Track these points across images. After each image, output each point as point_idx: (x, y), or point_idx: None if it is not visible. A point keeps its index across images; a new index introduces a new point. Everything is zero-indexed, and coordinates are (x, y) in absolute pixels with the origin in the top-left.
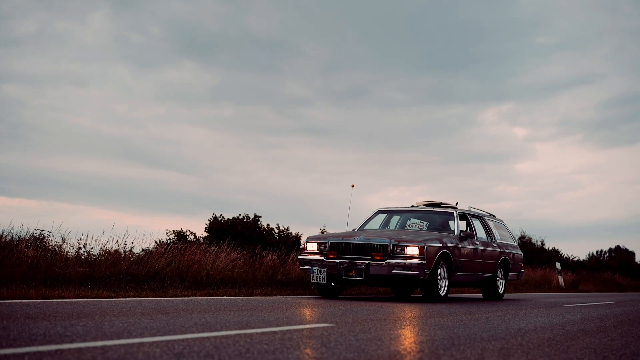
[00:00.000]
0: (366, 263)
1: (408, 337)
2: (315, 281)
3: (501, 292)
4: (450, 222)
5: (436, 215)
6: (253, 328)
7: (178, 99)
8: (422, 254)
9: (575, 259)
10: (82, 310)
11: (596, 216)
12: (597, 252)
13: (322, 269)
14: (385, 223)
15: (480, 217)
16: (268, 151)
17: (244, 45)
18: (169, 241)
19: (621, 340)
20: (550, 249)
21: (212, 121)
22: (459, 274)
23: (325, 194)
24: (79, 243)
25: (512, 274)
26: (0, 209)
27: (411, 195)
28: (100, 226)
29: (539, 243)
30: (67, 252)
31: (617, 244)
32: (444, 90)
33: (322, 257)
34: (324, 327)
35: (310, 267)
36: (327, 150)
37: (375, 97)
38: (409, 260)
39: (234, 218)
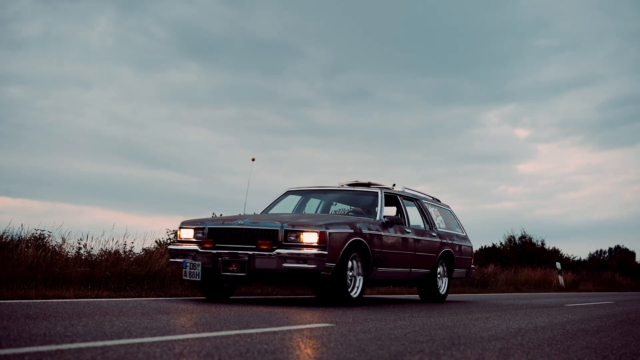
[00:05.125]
0: (249, 254)
1: (408, 337)
2: (188, 278)
3: (443, 292)
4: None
5: (359, 197)
6: (253, 328)
7: (181, 100)
8: (322, 242)
9: (575, 259)
10: (82, 310)
11: (596, 216)
12: (597, 252)
13: (196, 263)
14: (300, 207)
15: (416, 199)
16: (270, 152)
17: (247, 47)
18: (169, 241)
19: (621, 339)
20: (550, 249)
21: (215, 122)
22: (380, 269)
23: None
24: (79, 243)
25: (458, 271)
26: (4, 209)
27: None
28: (103, 226)
29: (539, 243)
30: (67, 252)
31: (617, 244)
32: (446, 92)
33: (197, 247)
34: (324, 327)
35: (182, 260)
36: (328, 151)
37: (377, 98)
38: (305, 251)
39: None
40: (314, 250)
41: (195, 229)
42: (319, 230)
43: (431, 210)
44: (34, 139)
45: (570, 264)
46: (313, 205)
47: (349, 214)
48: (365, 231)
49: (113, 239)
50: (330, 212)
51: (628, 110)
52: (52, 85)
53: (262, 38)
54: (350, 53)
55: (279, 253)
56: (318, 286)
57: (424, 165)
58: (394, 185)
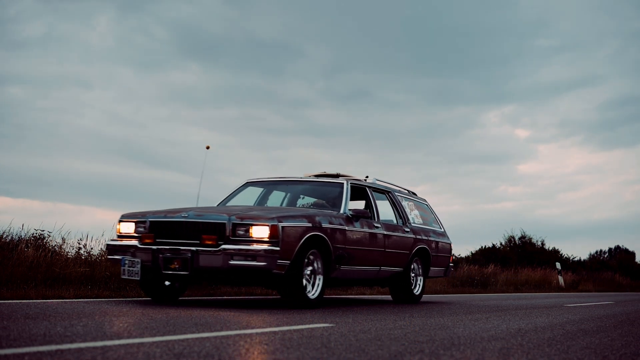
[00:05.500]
0: (192, 250)
1: (408, 337)
2: (127, 277)
3: (417, 292)
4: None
5: (323, 189)
6: (253, 328)
7: (182, 100)
8: (274, 236)
9: (575, 259)
10: (82, 310)
11: (596, 216)
12: (597, 252)
13: (135, 260)
14: (262, 200)
15: (388, 192)
16: (270, 152)
17: (247, 47)
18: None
19: (621, 340)
20: (550, 249)
21: (215, 122)
22: (344, 267)
23: None
24: (79, 243)
25: (435, 269)
26: (4, 209)
27: None
28: (103, 226)
29: (539, 243)
30: (67, 252)
31: (617, 244)
32: (446, 92)
33: (137, 243)
34: (324, 327)
35: (120, 257)
36: (329, 151)
37: (377, 98)
38: (255, 246)
39: None
40: (265, 246)
41: (136, 222)
42: (270, 224)
43: (405, 203)
44: (35, 139)
45: (570, 264)
46: (277, 198)
47: (311, 207)
48: (325, 225)
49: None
50: (297, 206)
51: (628, 111)
52: (52, 86)
53: (263, 38)
54: (350, 53)
55: (225, 249)
56: (271, 286)
57: (424, 165)
58: (366, 177)
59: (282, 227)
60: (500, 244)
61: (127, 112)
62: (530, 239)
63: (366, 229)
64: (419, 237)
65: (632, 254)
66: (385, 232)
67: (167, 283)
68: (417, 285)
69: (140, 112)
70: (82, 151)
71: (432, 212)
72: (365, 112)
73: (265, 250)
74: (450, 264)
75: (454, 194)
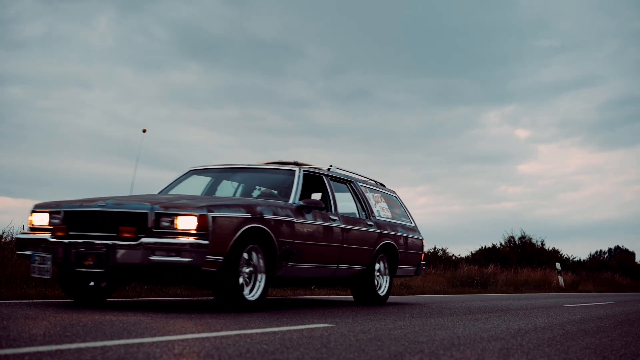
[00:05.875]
0: (108, 244)
1: (408, 337)
2: (37, 275)
3: (383, 292)
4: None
5: (273, 177)
6: (253, 328)
7: (182, 100)
8: (203, 228)
9: (575, 259)
10: (81, 310)
11: (596, 216)
12: (597, 252)
13: (46, 256)
14: (210, 191)
15: (349, 182)
16: (270, 152)
17: (248, 47)
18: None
19: (621, 340)
20: (550, 249)
21: (216, 122)
22: (292, 264)
23: None
24: None
25: (404, 267)
26: (4, 209)
27: (413, 195)
28: None
29: (539, 243)
30: None
31: (617, 244)
32: (446, 92)
33: (49, 236)
34: (324, 327)
35: (30, 253)
36: (329, 152)
37: (377, 98)
38: (180, 240)
39: None
40: (191, 239)
41: (50, 213)
42: (197, 214)
43: (369, 195)
44: (35, 139)
45: (570, 265)
46: (229, 188)
47: (259, 197)
48: (269, 216)
49: None
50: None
51: (628, 111)
52: (52, 86)
53: (263, 38)
54: (350, 53)
55: (145, 243)
56: (202, 286)
57: (424, 165)
58: (330, 167)
59: (213, 217)
60: (500, 244)
61: (127, 112)
62: (530, 239)
63: (320, 222)
64: (384, 232)
65: (632, 254)
66: (343, 226)
67: (91, 283)
68: (383, 286)
69: (140, 112)
70: (82, 151)
71: (402, 205)
72: (365, 112)
73: (191, 244)
74: (422, 262)
75: (454, 194)
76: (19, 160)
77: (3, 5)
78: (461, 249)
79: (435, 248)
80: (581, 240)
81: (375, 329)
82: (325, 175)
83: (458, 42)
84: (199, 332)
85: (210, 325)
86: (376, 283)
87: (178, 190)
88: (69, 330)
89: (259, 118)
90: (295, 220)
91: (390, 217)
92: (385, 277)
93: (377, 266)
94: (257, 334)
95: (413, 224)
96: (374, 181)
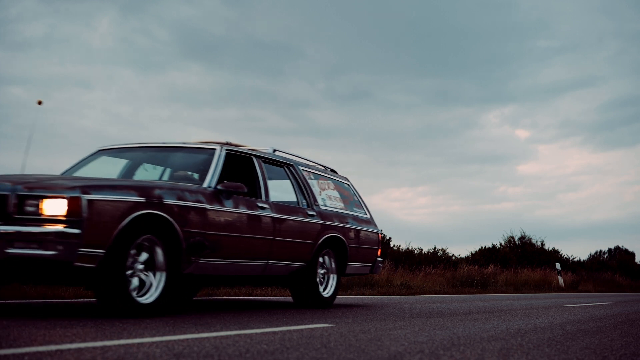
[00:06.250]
0: None
1: (408, 338)
2: None
3: (328, 293)
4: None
5: (191, 157)
6: (253, 328)
7: (183, 101)
8: (75, 214)
9: (575, 260)
10: (81, 311)
11: (596, 217)
12: (596, 252)
13: None
14: (129, 173)
15: (288, 165)
16: None
17: (248, 48)
18: None
19: (621, 340)
20: (550, 249)
21: (216, 123)
22: (206, 260)
23: None
24: None
25: (355, 265)
26: None
27: (413, 196)
28: None
29: (539, 243)
30: None
31: (616, 245)
32: (447, 93)
33: None
34: (324, 327)
35: None
36: (329, 152)
37: (378, 99)
38: (46, 228)
39: None
40: (58, 228)
41: None
42: (68, 196)
43: (313, 182)
44: (35, 139)
45: (570, 265)
46: (151, 171)
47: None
48: (170, 202)
49: None
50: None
51: (628, 111)
52: (53, 86)
53: (263, 39)
54: (351, 54)
55: (1, 232)
56: (82, 285)
57: (425, 166)
58: (274, 151)
59: (89, 200)
60: (500, 244)
61: (127, 112)
62: (530, 239)
63: (243, 210)
64: (329, 223)
65: (632, 254)
66: (275, 215)
67: None
68: (328, 285)
69: (141, 112)
70: (83, 151)
71: (356, 194)
72: (365, 112)
73: (57, 234)
74: (379, 258)
75: (454, 194)
76: (19, 160)
77: (4, 6)
78: (461, 249)
79: (435, 248)
80: (581, 240)
81: (375, 329)
82: (256, 156)
83: (458, 42)
84: (198, 332)
85: (210, 325)
86: (319, 282)
87: (90, 171)
88: (69, 330)
89: (260, 119)
90: (208, 207)
91: (339, 207)
92: (332, 275)
93: (321, 263)
94: (256, 334)
95: (368, 216)
96: (323, 166)
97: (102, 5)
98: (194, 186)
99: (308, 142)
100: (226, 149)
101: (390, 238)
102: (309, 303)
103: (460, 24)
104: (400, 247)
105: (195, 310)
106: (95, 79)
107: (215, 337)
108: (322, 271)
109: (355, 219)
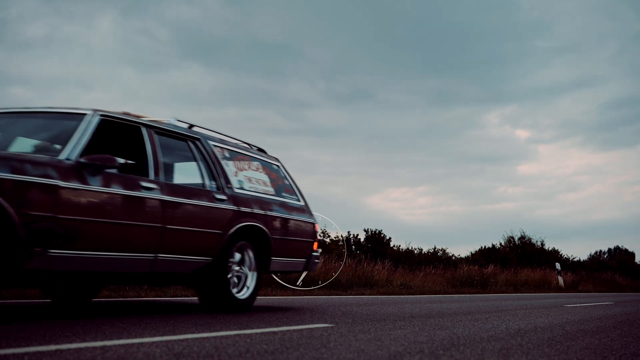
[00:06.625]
0: None
1: (408, 337)
2: None
3: (244, 295)
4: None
5: (57, 124)
6: (253, 328)
7: (183, 101)
8: None
9: (575, 260)
10: (81, 311)
11: (596, 217)
12: (596, 252)
13: None
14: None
15: (193, 139)
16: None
17: (249, 48)
18: None
19: (621, 340)
20: (550, 249)
21: (217, 123)
22: (58, 252)
23: (327, 195)
24: None
25: (282, 261)
26: None
27: (413, 196)
28: None
29: (539, 243)
30: None
31: (616, 245)
32: (447, 93)
33: None
34: (324, 327)
35: None
36: (329, 152)
37: (378, 99)
38: None
39: None
40: None
41: None
42: None
43: (228, 161)
44: None
45: (570, 265)
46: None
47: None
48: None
49: None
50: None
51: (628, 112)
52: (54, 86)
53: (264, 39)
54: (351, 54)
55: None
56: None
57: (425, 166)
58: (190, 126)
59: None
60: (500, 244)
61: None
62: (529, 239)
63: (118, 190)
64: (246, 209)
65: (632, 254)
66: (165, 198)
67: None
68: (245, 285)
69: (142, 112)
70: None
71: (288, 177)
72: (366, 113)
73: None
74: (315, 253)
75: (454, 194)
76: None
77: (6, 6)
78: (461, 249)
79: (435, 248)
80: (581, 240)
81: (375, 329)
82: (146, 126)
83: (458, 42)
84: (198, 332)
85: (210, 325)
86: (234, 281)
87: None
88: (69, 330)
89: (260, 118)
90: (62, 184)
91: (263, 191)
92: (250, 273)
93: (235, 257)
94: (256, 334)
95: (302, 203)
96: (247, 144)
97: (102, 6)
98: (43, 157)
99: (308, 142)
100: (100, 115)
101: (390, 238)
102: (219, 306)
103: (460, 24)
104: (400, 247)
105: (195, 310)
106: (95, 79)
107: (215, 337)
108: (237, 268)
109: (284, 206)
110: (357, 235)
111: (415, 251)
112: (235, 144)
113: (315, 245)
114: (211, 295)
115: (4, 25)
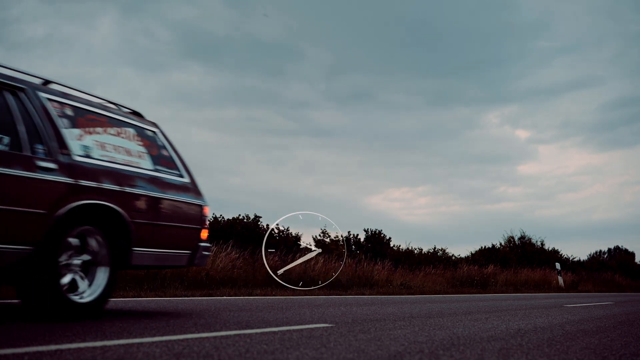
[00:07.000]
0: None
1: (407, 338)
2: None
3: (89, 296)
4: None
5: None
6: (253, 328)
7: (184, 101)
8: None
9: (574, 260)
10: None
11: (596, 217)
12: (596, 252)
13: None
14: None
15: (11, 88)
16: (271, 152)
17: (249, 48)
18: None
19: (621, 340)
20: (550, 249)
21: (217, 123)
22: None
23: (328, 195)
24: None
25: (152, 253)
26: None
27: (414, 196)
28: None
29: (539, 243)
30: None
31: (616, 245)
32: (447, 93)
33: None
34: (323, 327)
35: None
36: (330, 152)
37: (379, 100)
38: None
39: (233, 218)
40: None
41: None
42: None
43: (68, 120)
44: None
45: (570, 265)
46: None
47: None
48: None
49: None
50: None
51: (628, 112)
52: None
53: (264, 40)
54: (351, 55)
55: None
56: None
57: (425, 166)
58: (46, 83)
59: None
60: (500, 244)
61: None
62: (529, 239)
63: None
64: (89, 184)
65: (632, 255)
66: None
67: None
68: (93, 284)
69: (142, 112)
70: None
71: (169, 148)
72: (366, 113)
73: None
74: (202, 244)
75: (454, 194)
76: None
77: (6, 6)
78: (461, 249)
79: (435, 248)
80: (581, 240)
81: (375, 329)
82: None
83: (459, 43)
84: (198, 332)
85: (210, 325)
86: (63, 278)
87: None
88: (69, 330)
89: (260, 119)
90: None
91: (123, 161)
92: (100, 268)
93: (71, 248)
94: (256, 334)
95: (187, 180)
96: (114, 103)
97: (103, 6)
98: None
99: (308, 142)
100: None
101: (390, 238)
102: (48, 310)
103: (460, 25)
104: (400, 247)
105: (195, 310)
106: (96, 79)
107: (215, 337)
108: (77, 261)
109: (155, 182)
110: (357, 235)
111: (415, 251)
112: (91, 101)
113: (204, 233)
114: (36, 296)
115: (4, 25)
